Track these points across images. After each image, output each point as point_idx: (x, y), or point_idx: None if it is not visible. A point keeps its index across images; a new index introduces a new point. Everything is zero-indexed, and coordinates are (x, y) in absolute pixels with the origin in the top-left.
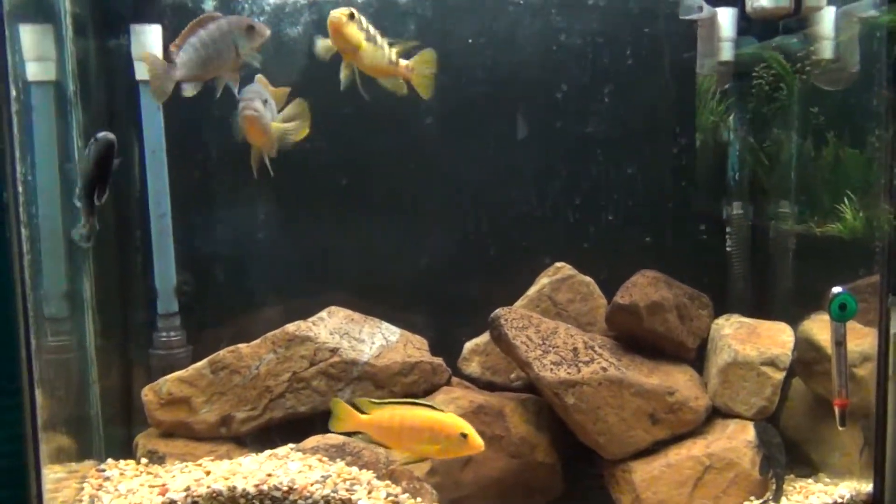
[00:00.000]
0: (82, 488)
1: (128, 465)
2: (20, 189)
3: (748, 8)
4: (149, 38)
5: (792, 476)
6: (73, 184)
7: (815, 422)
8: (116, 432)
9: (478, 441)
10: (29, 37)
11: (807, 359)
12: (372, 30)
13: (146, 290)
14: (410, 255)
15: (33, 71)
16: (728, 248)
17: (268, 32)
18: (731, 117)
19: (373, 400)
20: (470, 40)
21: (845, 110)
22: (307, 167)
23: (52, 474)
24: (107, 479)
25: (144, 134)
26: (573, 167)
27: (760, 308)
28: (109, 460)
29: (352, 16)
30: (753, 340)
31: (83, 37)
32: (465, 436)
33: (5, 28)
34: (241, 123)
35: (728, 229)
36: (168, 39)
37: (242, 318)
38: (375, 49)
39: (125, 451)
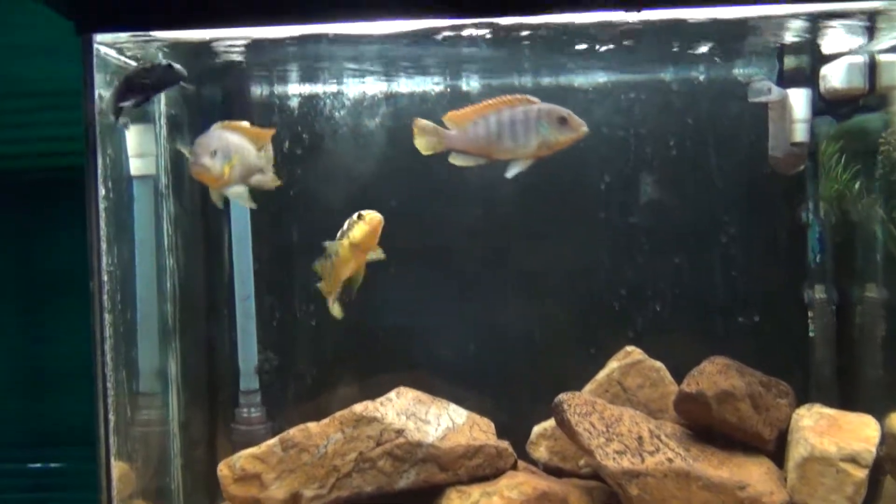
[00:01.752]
0: None
1: None
2: (105, 279)
3: (822, 89)
4: None
5: None
6: (164, 269)
7: None
8: (201, 503)
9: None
10: (132, 135)
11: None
12: None
13: (230, 368)
14: (485, 337)
15: (136, 166)
16: (811, 334)
17: (584, 129)
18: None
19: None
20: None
21: None
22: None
23: None
24: None
25: (232, 222)
26: (653, 249)
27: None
28: None
29: None
30: (833, 433)
31: (179, 134)
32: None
33: (97, 137)
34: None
35: (810, 314)
36: None
37: (320, 397)
38: None
39: None
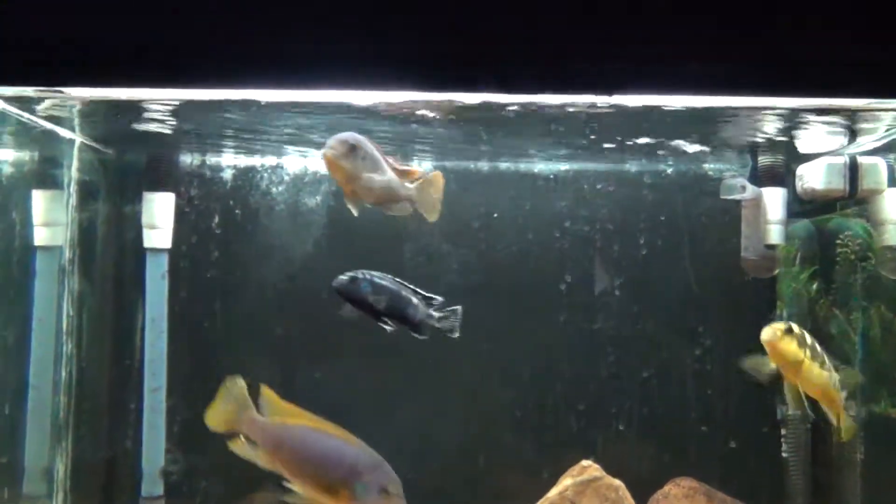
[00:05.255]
0: None
1: None
2: None
3: (799, 189)
4: (161, 206)
5: None
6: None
7: None
8: None
9: None
10: (39, 202)
11: None
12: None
13: (131, 469)
14: (422, 441)
15: (41, 236)
16: (784, 454)
17: None
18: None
19: None
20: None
21: None
22: (314, 351)
23: None
24: None
25: (147, 301)
26: (615, 357)
27: None
28: None
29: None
30: None
31: (92, 203)
32: None
33: None
34: None
35: (783, 432)
36: (182, 207)
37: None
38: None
39: None
